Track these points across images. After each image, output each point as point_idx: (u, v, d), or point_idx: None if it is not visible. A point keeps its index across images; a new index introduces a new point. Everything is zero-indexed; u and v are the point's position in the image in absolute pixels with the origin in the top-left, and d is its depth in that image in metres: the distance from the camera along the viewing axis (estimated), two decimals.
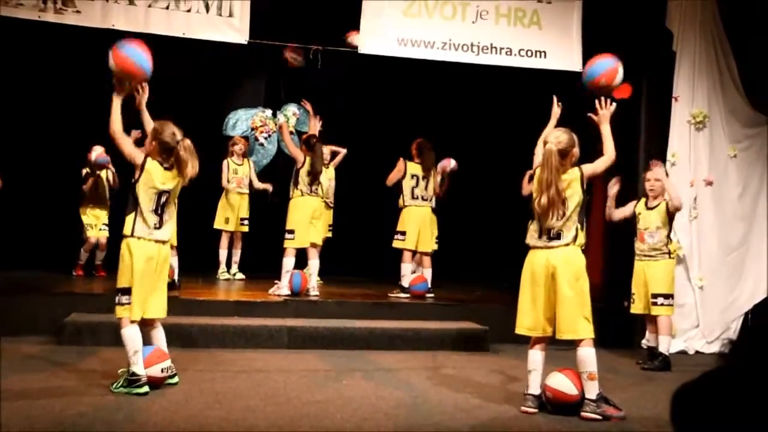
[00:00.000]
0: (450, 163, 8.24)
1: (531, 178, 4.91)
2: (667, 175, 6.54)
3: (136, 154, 4.62)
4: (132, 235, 4.55)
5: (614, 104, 4.70)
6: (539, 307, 4.42)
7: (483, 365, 5.95)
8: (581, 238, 4.42)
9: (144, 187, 4.56)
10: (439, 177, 8.10)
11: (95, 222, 8.56)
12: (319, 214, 7.61)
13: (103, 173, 8.54)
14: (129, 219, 4.57)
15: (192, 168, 4.64)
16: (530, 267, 4.47)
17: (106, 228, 8.51)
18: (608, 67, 4.79)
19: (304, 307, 7.02)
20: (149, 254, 4.57)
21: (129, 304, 4.53)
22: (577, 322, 4.34)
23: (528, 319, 4.47)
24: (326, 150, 8.20)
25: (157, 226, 4.61)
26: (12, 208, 7.33)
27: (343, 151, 8.83)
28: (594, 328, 4.41)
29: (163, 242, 4.66)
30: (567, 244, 4.37)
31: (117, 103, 4.63)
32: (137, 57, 4.61)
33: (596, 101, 4.67)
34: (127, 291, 4.54)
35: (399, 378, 5.37)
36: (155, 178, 4.57)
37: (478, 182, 9.95)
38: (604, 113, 4.64)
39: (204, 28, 7.01)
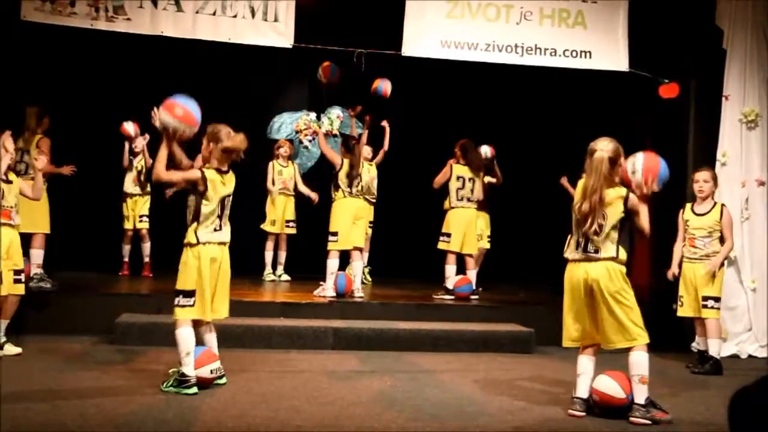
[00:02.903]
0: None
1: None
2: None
3: (190, 174, 4.64)
4: (197, 243, 4.60)
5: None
6: (582, 319, 4.37)
7: (528, 368, 5.91)
8: (622, 255, 4.31)
9: (211, 195, 4.62)
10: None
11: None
12: (362, 214, 7.66)
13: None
14: (191, 229, 4.62)
15: (238, 143, 4.65)
16: (569, 280, 4.41)
17: None
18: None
19: (348, 308, 7.06)
20: (213, 256, 4.64)
21: (190, 306, 4.59)
22: (624, 331, 4.28)
23: (572, 332, 4.43)
24: (366, 149, 8.21)
25: (218, 228, 4.67)
26: (64, 209, 7.52)
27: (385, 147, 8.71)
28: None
29: (225, 244, 4.73)
30: (606, 259, 4.29)
31: (164, 152, 4.61)
32: (193, 107, 4.58)
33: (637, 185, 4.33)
34: (189, 293, 4.59)
35: (444, 380, 5.37)
36: (218, 186, 4.65)
37: (525, 183, 9.90)
38: (646, 194, 4.35)
39: (250, 33, 7.12)
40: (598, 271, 4.29)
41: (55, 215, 7.12)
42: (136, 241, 8.85)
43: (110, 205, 8.89)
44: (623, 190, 4.32)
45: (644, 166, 4.32)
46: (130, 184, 8.73)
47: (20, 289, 5.65)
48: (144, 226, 8.75)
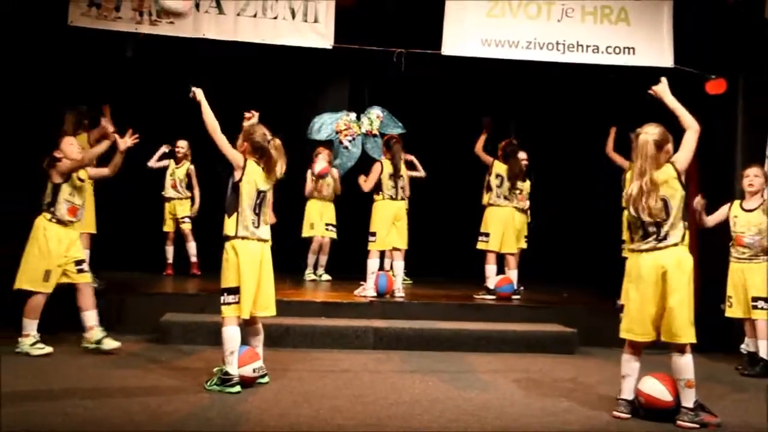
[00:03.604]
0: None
1: None
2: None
3: (237, 155, 4.73)
4: (236, 236, 4.66)
5: (664, 78, 4.57)
6: (647, 311, 4.27)
7: (571, 368, 5.84)
8: (687, 237, 4.27)
9: (246, 187, 4.69)
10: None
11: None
12: (402, 215, 7.65)
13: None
14: (231, 220, 4.68)
15: (281, 167, 4.78)
16: (636, 270, 4.31)
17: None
18: None
19: (389, 308, 7.07)
20: (253, 253, 4.69)
21: (236, 303, 4.64)
22: (688, 325, 4.20)
23: (637, 325, 4.30)
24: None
25: (256, 224, 4.72)
26: (111, 209, 7.65)
27: (421, 174, 8.64)
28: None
29: (265, 241, 4.78)
30: (676, 244, 4.24)
31: (204, 102, 4.74)
32: None
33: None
34: (233, 290, 4.65)
35: (485, 380, 5.34)
36: (256, 179, 4.71)
37: (568, 183, 9.78)
38: (659, 87, 4.52)
39: (290, 35, 7.18)
40: (669, 258, 4.22)
41: (101, 216, 7.25)
42: (180, 241, 8.96)
43: (156, 205, 9.01)
44: (671, 168, 4.25)
45: None
46: (169, 189, 8.87)
47: (87, 277, 5.79)
48: (187, 226, 8.84)
